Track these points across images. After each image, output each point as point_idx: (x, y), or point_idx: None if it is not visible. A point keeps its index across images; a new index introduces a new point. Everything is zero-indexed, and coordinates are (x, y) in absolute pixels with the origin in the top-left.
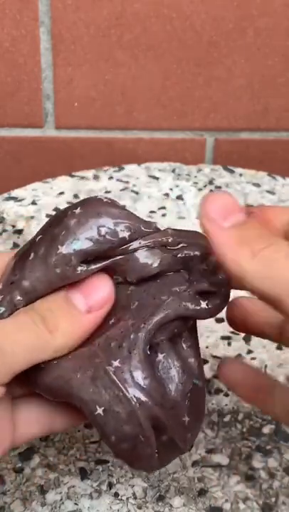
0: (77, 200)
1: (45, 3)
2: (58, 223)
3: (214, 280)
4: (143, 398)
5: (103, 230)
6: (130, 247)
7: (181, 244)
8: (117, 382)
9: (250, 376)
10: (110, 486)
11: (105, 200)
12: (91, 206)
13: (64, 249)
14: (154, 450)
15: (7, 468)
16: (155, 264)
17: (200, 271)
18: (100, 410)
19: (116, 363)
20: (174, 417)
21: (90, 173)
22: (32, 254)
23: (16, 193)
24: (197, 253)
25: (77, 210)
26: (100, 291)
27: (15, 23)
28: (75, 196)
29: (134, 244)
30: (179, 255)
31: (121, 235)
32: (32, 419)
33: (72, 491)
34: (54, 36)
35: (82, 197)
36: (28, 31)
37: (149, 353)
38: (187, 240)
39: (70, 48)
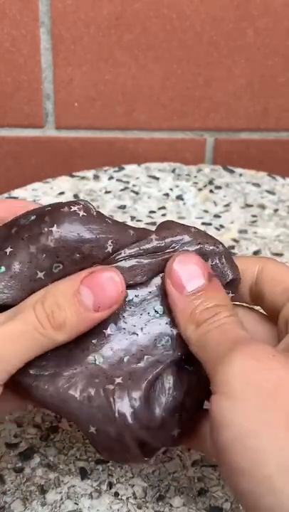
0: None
1: (45, 3)
2: (34, 240)
3: None
4: (130, 421)
5: (87, 249)
6: (116, 258)
7: (168, 250)
8: (112, 403)
9: None
10: (110, 485)
11: (81, 214)
12: (68, 226)
13: (43, 276)
14: (143, 458)
15: (7, 468)
16: (141, 275)
17: None
18: (92, 429)
19: (118, 380)
20: (161, 434)
21: (90, 173)
22: (3, 268)
23: (16, 193)
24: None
25: (54, 229)
26: (111, 290)
27: (15, 23)
28: (75, 196)
29: (120, 255)
30: (167, 257)
31: (105, 250)
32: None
33: (73, 490)
34: (54, 36)
35: (82, 197)
36: (28, 31)
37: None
38: (172, 241)
39: (70, 48)
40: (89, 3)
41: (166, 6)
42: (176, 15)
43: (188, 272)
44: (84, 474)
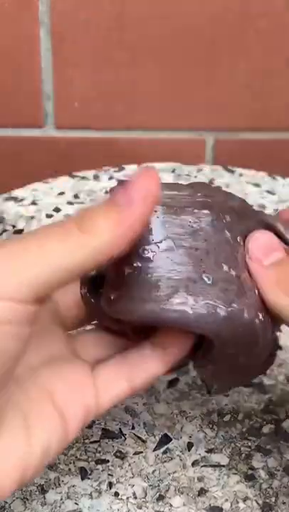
0: (78, 201)
1: (45, 3)
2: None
3: None
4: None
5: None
6: None
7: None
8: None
9: None
10: (110, 485)
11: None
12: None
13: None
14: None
15: None
16: None
17: None
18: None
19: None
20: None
21: (90, 173)
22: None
23: (16, 193)
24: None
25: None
26: (142, 183)
27: (15, 23)
28: (76, 196)
29: None
30: None
31: None
32: (110, 378)
33: (73, 490)
34: (54, 36)
35: (82, 197)
36: (28, 31)
37: None
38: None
39: (70, 48)
40: (89, 3)
41: (166, 6)
42: (176, 15)
43: (266, 246)
44: (84, 474)
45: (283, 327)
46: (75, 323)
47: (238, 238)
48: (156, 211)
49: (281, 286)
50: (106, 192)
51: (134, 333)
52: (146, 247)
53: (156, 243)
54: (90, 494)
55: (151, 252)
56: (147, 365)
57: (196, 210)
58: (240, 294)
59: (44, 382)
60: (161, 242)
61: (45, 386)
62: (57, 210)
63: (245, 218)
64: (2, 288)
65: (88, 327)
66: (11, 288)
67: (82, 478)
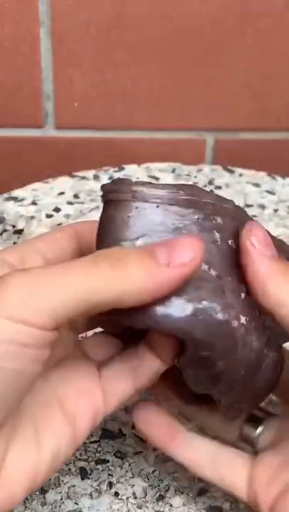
0: (78, 201)
1: (45, 3)
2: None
3: None
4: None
5: None
6: None
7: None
8: None
9: (164, 422)
10: (110, 485)
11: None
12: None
13: None
14: None
15: None
16: None
17: None
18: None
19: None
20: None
21: (90, 173)
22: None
23: (16, 193)
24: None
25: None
26: (187, 250)
27: (15, 23)
28: (76, 196)
29: None
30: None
31: None
32: (116, 379)
33: (73, 490)
34: (54, 36)
35: (82, 197)
36: (28, 31)
37: None
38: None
39: (70, 48)
40: (89, 3)
41: (166, 6)
42: (176, 15)
43: (266, 239)
44: (84, 474)
45: None
46: (86, 325)
47: (230, 241)
48: (136, 207)
49: (286, 276)
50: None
51: (128, 334)
52: (123, 244)
53: (132, 240)
54: (90, 494)
55: None
56: (147, 364)
57: (180, 208)
58: (216, 292)
59: (53, 386)
60: (137, 239)
61: (54, 391)
62: (57, 210)
63: (241, 223)
64: (22, 312)
65: (99, 329)
66: (30, 313)
67: (82, 478)
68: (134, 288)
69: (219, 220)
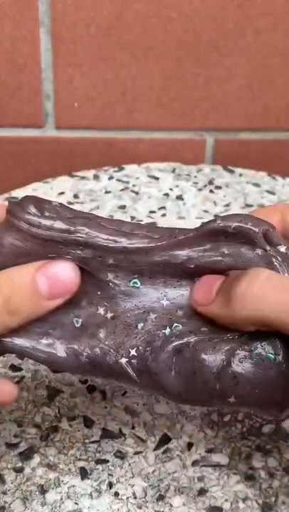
0: (78, 201)
1: (45, 3)
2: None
3: None
4: None
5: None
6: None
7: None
8: None
9: None
10: (110, 485)
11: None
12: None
13: None
14: None
15: (7, 467)
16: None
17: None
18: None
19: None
20: None
21: (90, 173)
22: None
23: (16, 193)
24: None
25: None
26: (65, 280)
27: (15, 23)
28: (75, 196)
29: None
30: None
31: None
32: None
33: (73, 490)
34: (54, 36)
35: (82, 197)
36: (28, 31)
37: None
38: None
39: (70, 48)
40: (89, 3)
41: (166, 6)
42: (176, 15)
43: (208, 284)
44: (84, 474)
45: None
46: None
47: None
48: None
49: (220, 295)
50: (106, 192)
51: None
52: None
53: None
54: (90, 494)
55: None
56: None
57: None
58: (108, 335)
59: None
60: None
61: None
62: None
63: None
64: None
65: None
66: None
67: (82, 478)
68: (20, 323)
69: (111, 260)
